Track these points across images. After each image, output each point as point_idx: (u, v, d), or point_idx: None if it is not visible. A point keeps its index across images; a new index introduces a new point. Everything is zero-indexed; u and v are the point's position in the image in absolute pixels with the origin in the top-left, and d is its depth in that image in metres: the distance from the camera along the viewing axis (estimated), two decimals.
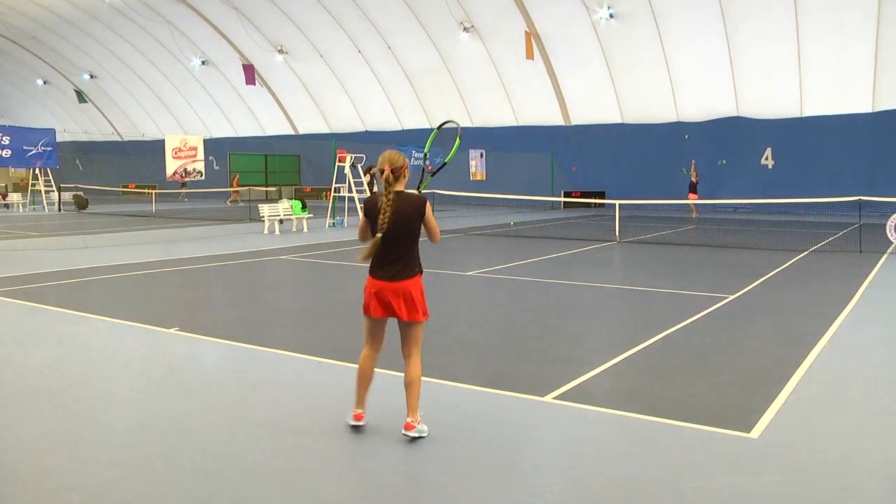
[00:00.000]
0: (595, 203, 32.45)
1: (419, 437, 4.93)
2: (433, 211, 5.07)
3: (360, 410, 5.13)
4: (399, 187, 5.01)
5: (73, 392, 6.12)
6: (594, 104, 34.90)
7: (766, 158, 31.11)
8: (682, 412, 5.47)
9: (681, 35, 30.54)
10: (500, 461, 4.65)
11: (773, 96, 30.21)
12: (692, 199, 26.65)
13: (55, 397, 5.97)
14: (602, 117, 35.01)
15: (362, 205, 5.04)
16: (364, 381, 5.17)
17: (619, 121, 34.68)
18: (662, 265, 14.35)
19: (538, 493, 4.19)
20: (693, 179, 27.34)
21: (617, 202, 20.70)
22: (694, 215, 29.00)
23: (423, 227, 5.03)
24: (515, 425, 5.32)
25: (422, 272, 5.09)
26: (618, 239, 18.92)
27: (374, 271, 5.03)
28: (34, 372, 6.68)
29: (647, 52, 31.71)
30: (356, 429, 5.10)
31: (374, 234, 4.92)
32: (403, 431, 4.93)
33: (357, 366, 5.26)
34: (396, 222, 4.87)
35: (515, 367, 6.81)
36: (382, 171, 4.97)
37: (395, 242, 4.91)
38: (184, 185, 40.90)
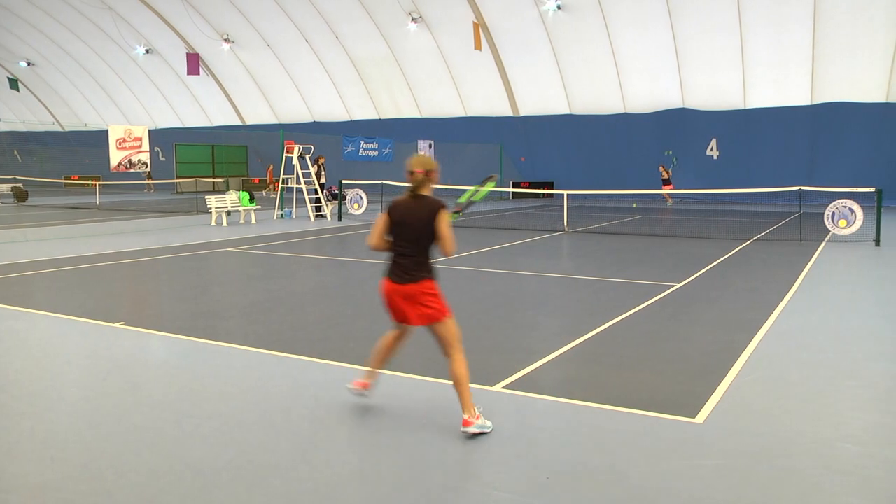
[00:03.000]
0: (543, 193, 32.70)
1: (480, 433, 4.85)
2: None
3: (364, 379, 5.36)
4: (425, 191, 5.01)
5: (11, 389, 5.97)
6: (542, 95, 35.13)
7: (711, 149, 31.74)
8: (630, 399, 5.57)
9: (627, 27, 30.89)
10: (451, 451, 4.67)
11: (717, 88, 30.78)
12: (666, 190, 28.30)
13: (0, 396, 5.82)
14: (550, 108, 35.26)
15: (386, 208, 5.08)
16: (378, 353, 5.38)
17: (568, 111, 34.97)
18: (610, 255, 14.54)
19: (489, 481, 4.23)
20: (665, 175, 29.10)
21: (565, 192, 20.89)
22: (669, 204, 30.05)
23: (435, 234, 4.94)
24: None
25: (433, 278, 5.03)
26: (566, 229, 19.11)
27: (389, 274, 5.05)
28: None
29: (595, 43, 32.02)
30: (358, 395, 5.44)
31: (390, 235, 4.97)
32: (462, 429, 4.85)
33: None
34: (414, 225, 4.92)
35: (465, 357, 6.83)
36: (413, 173, 4.95)
37: (411, 246, 4.95)
38: (149, 175, 40.06)
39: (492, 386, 5.88)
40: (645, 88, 32.47)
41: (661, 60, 31.14)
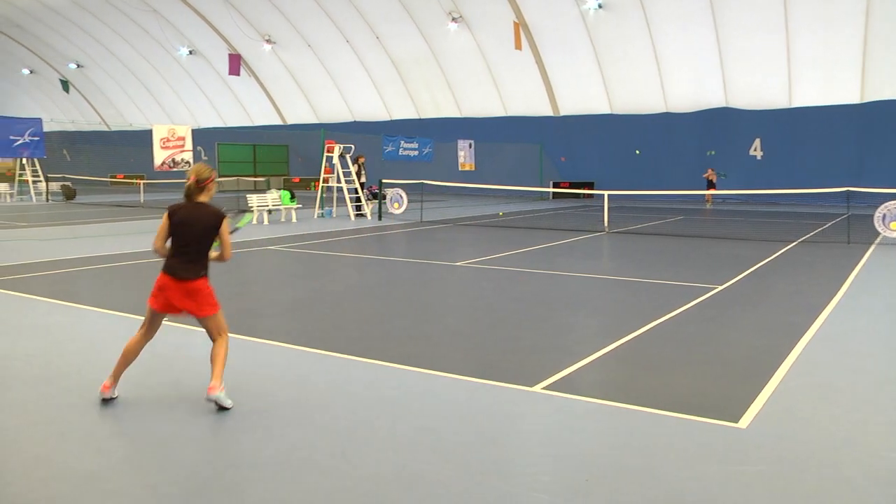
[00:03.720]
0: (584, 194, 32.51)
1: (221, 406, 5.33)
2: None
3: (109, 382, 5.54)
4: (203, 198, 5.49)
5: (60, 382, 6.09)
6: (583, 94, 34.91)
7: (755, 149, 31.25)
8: (670, 402, 5.50)
9: (669, 25, 30.55)
10: (489, 451, 4.66)
11: (761, 87, 30.29)
12: (710, 192, 28.07)
13: (42, 387, 5.94)
14: (591, 107, 35.02)
15: (167, 210, 5.53)
16: (127, 360, 5.60)
17: (608, 111, 34.71)
18: (650, 255, 14.39)
19: (526, 482, 4.21)
20: (712, 179, 28.85)
21: (605, 192, 20.74)
22: (709, 205, 29.70)
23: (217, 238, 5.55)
24: (504, 415, 5.33)
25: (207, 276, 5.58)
26: (606, 229, 18.97)
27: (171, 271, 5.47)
28: (21, 362, 6.65)
29: (636, 42, 31.74)
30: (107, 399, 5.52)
31: (172, 237, 5.43)
32: (208, 395, 5.35)
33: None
34: (196, 229, 5.43)
35: (504, 358, 6.83)
36: (195, 180, 5.46)
37: (193, 247, 5.47)
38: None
39: (531, 387, 5.85)
40: (687, 87, 32.08)
41: (704, 59, 30.75)
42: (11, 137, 29.76)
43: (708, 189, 28.43)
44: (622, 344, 7.26)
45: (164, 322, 7.91)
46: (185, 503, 3.97)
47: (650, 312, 8.74)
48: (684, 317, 8.60)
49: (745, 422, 5.10)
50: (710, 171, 29.41)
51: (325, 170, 23.71)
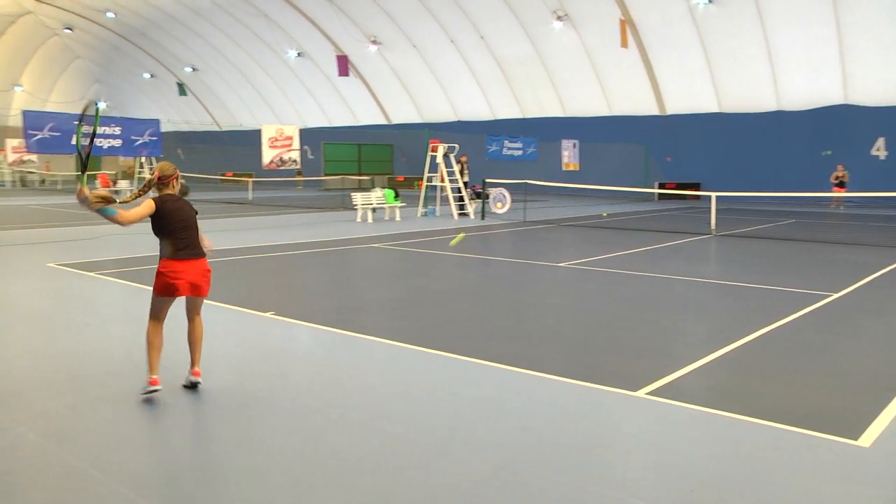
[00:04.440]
0: (690, 195, 31.66)
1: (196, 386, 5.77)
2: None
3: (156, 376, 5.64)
4: (170, 191, 5.91)
5: (174, 370, 6.33)
6: (690, 93, 33.99)
7: (878, 149, 29.64)
8: (782, 414, 5.25)
9: (784, 18, 29.30)
10: (590, 455, 4.58)
11: (886, 82, 28.62)
12: (838, 193, 26.72)
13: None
14: (698, 106, 34.05)
15: (153, 199, 5.86)
16: (157, 350, 5.76)
17: (717, 110, 33.68)
18: (760, 260, 13.88)
19: (628, 488, 4.12)
20: (844, 178, 27.20)
21: (713, 194, 20.13)
22: (832, 207, 28.28)
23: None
24: (605, 419, 5.24)
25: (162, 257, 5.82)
26: (713, 232, 18.42)
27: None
28: (139, 350, 6.94)
29: (747, 37, 30.61)
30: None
31: (170, 224, 5.76)
32: (192, 378, 5.82)
33: None
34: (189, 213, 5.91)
35: (606, 361, 6.71)
36: (158, 177, 5.93)
37: (193, 229, 5.95)
38: (299, 172, 41.80)
39: (635, 391, 5.72)
40: (802, 84, 30.70)
41: (822, 53, 29.33)
42: (133, 137, 31.18)
43: (836, 190, 26.77)
44: (729, 351, 7.02)
45: (270, 316, 8.14)
46: (293, 494, 4.06)
47: (759, 319, 8.42)
48: (796, 325, 8.24)
49: (866, 440, 4.80)
50: (839, 167, 27.47)
51: (442, 175, 23.78)
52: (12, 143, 45.66)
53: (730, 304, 9.70)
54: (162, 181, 5.90)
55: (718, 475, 4.28)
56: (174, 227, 5.78)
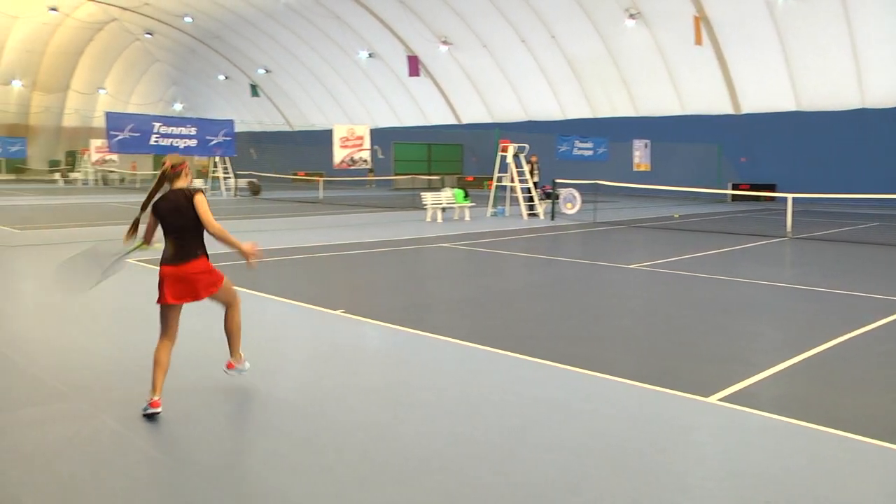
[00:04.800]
0: (765, 196, 30.86)
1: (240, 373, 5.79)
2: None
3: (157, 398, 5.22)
4: (180, 183, 5.47)
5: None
6: (767, 91, 33.10)
7: None
8: (866, 427, 5.04)
9: (870, 10, 28.21)
10: (660, 461, 4.51)
11: None
12: None
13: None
14: (775, 105, 33.14)
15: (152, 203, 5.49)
16: (161, 368, 5.30)
17: (794, 108, 32.73)
18: (840, 264, 13.45)
19: (700, 497, 4.04)
20: None
21: (789, 195, 19.59)
22: None
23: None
24: (676, 425, 5.15)
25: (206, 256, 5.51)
26: (789, 234, 17.92)
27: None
28: (213, 344, 7.11)
29: (830, 31, 29.53)
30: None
31: (163, 229, 5.41)
32: (226, 370, 5.78)
33: None
34: (174, 214, 5.37)
35: (678, 365, 6.60)
36: (170, 166, 5.49)
37: (182, 233, 5.41)
38: (371, 171, 42.29)
39: (706, 397, 5.61)
40: (888, 80, 29.55)
41: None
42: (207, 137, 32.04)
43: None
44: (806, 358, 6.82)
45: (340, 314, 8.23)
46: (361, 491, 4.11)
47: (839, 326, 8.15)
48: (880, 333, 7.94)
49: None
50: None
51: (512, 175, 23.71)
52: (96, 143, 47.41)
53: (807, 309, 9.42)
54: (175, 170, 5.50)
55: (795, 487, 4.16)
56: (165, 231, 5.45)
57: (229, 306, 5.69)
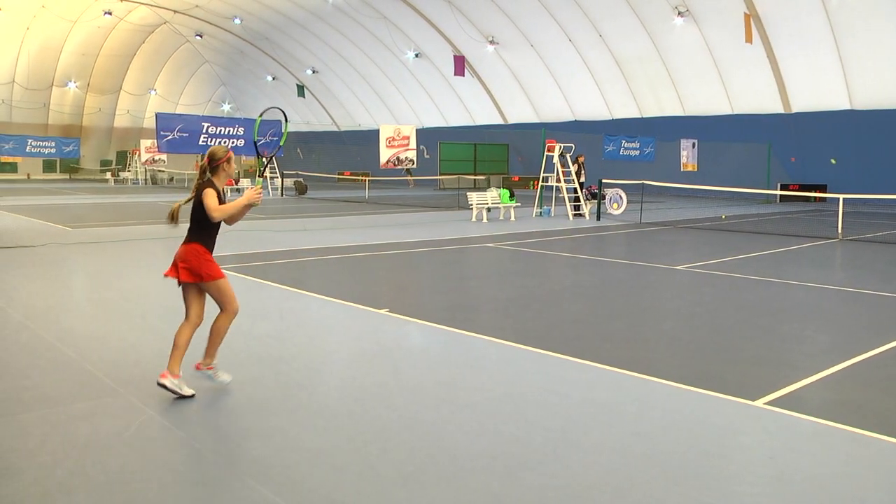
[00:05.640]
0: (815, 197, 30.25)
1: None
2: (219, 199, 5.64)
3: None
4: (216, 178, 5.69)
5: (292, 362, 6.57)
6: (818, 89, 32.42)
7: None
8: None
9: None
10: (706, 465, 4.46)
11: None
12: None
13: (277, 365, 6.45)
14: (827, 103, 32.45)
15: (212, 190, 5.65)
16: (178, 349, 5.60)
17: (847, 107, 32.00)
18: (892, 267, 13.13)
19: (743, 501, 3.98)
20: None
21: (840, 196, 19.18)
22: None
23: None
24: (723, 429, 5.08)
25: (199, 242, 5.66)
26: (840, 236, 17.55)
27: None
28: (259, 342, 7.25)
29: (888, 27, 28.80)
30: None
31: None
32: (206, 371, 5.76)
33: None
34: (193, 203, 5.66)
35: (724, 368, 6.51)
36: (207, 160, 5.71)
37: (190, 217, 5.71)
38: (409, 171, 42.51)
39: (753, 401, 5.53)
40: None
41: None
42: (256, 137, 32.50)
43: None
44: (857, 362, 6.67)
45: (385, 313, 8.31)
46: (405, 489, 4.14)
47: (892, 330, 7.97)
48: None
49: None
50: None
51: (557, 175, 23.66)
52: (145, 143, 48.38)
53: (858, 313, 9.22)
54: (212, 164, 5.69)
55: (846, 494, 4.08)
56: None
57: (222, 309, 5.73)
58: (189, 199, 5.69)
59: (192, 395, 5.54)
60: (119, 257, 13.43)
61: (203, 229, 5.66)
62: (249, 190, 5.84)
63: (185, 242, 5.67)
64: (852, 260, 14.27)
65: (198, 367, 5.73)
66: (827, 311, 9.32)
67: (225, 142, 31.03)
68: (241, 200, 5.70)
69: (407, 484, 4.16)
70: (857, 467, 4.44)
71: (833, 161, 27.47)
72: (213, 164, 5.69)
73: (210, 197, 5.55)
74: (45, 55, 58.84)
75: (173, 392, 5.48)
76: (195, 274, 5.56)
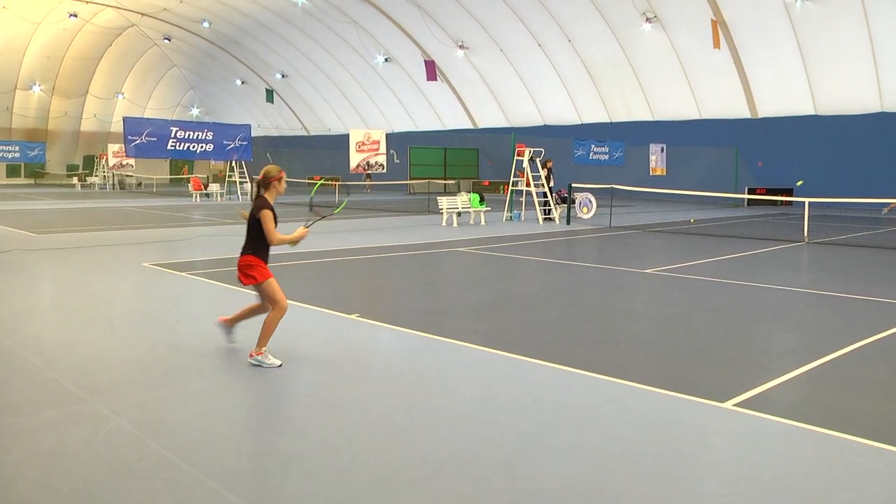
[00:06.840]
0: (782, 201, 30.69)
1: (259, 366, 6.44)
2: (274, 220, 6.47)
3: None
4: (267, 194, 6.55)
5: (260, 369, 6.51)
6: (784, 94, 32.95)
7: None
8: (884, 433, 4.99)
9: (892, 15, 27.93)
10: (677, 466, 4.50)
11: None
12: None
13: (246, 371, 6.38)
14: (792, 108, 32.97)
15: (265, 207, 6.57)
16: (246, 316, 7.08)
17: (812, 112, 32.54)
18: (857, 269, 13.35)
19: (712, 501, 4.02)
20: None
21: (806, 200, 19.47)
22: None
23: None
24: (692, 430, 5.13)
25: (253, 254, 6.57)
26: (806, 239, 17.81)
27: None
28: (228, 349, 7.17)
29: (848, 34, 29.39)
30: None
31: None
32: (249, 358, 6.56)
33: None
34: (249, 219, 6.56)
35: (695, 370, 6.57)
36: (262, 177, 6.60)
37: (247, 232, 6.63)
38: (368, 177, 42.44)
39: (722, 402, 5.58)
40: None
41: None
42: (224, 142, 32.23)
43: None
44: (824, 363, 6.77)
45: (355, 318, 8.28)
46: (376, 494, 4.12)
47: (857, 331, 8.09)
48: None
49: None
50: None
51: (521, 175, 23.84)
52: (113, 147, 47.80)
53: (824, 315, 9.36)
54: (265, 181, 6.55)
55: (814, 493, 4.13)
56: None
57: (272, 305, 6.58)
58: (250, 214, 6.53)
59: (280, 365, 6.47)
60: (86, 263, 13.25)
61: (256, 241, 6.54)
62: (302, 229, 6.67)
63: (242, 253, 6.59)
64: (818, 262, 14.48)
65: (251, 356, 6.53)
66: (794, 313, 9.44)
67: (194, 146, 30.79)
68: (292, 236, 6.57)
69: (380, 489, 4.14)
70: (824, 466, 4.50)
71: (800, 183, 27.91)
72: (266, 182, 6.52)
73: (269, 221, 6.40)
74: (7, 57, 57.83)
75: (268, 366, 6.42)
76: (251, 277, 6.52)
